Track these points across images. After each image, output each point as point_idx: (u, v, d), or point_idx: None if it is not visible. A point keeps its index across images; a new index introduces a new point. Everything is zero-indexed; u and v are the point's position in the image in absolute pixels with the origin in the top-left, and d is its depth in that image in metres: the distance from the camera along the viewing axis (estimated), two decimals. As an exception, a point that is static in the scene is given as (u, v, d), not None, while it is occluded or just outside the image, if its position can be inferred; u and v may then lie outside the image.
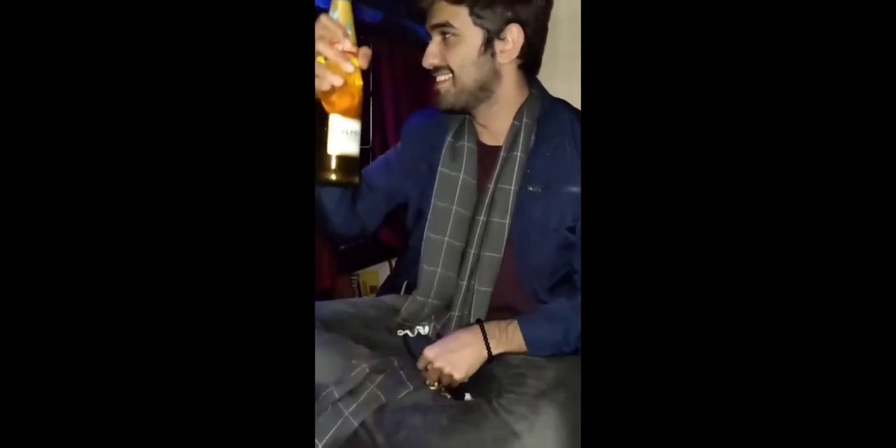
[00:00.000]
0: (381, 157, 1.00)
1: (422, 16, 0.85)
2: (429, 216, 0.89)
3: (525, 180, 0.85)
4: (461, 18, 0.81)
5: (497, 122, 0.88)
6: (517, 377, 0.77)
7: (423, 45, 0.87)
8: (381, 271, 2.03)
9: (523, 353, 0.81)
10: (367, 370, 0.77)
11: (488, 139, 0.90)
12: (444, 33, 0.82)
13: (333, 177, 0.68)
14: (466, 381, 0.79)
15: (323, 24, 0.65)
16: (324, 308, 0.90)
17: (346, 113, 0.67)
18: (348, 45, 0.66)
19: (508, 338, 0.80)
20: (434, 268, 0.89)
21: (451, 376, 0.78)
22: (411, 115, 1.02)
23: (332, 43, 0.65)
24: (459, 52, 0.82)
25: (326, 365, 0.77)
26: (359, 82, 0.67)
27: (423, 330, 0.90)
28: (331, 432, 0.73)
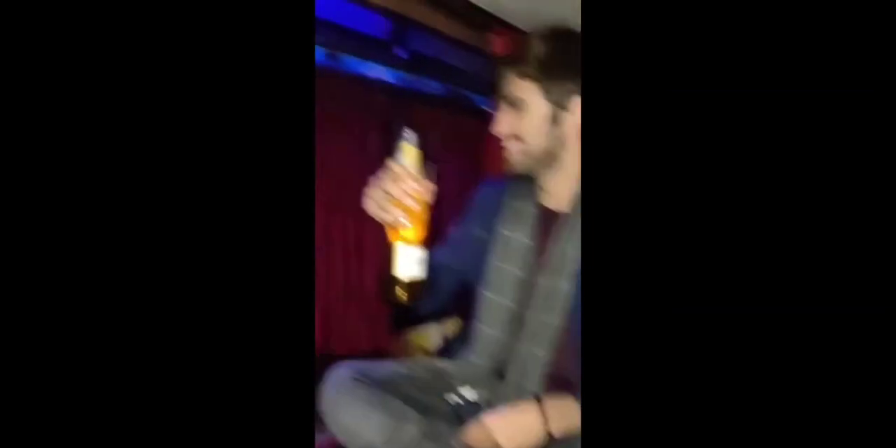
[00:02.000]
0: (448, 236, 1.02)
1: (482, 87, 0.91)
2: (487, 277, 0.90)
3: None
4: (531, 92, 0.87)
5: (561, 187, 0.90)
6: None
7: (478, 113, 0.92)
8: (432, 332, 2.02)
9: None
10: (417, 433, 0.76)
11: (550, 203, 0.92)
12: (513, 104, 0.88)
13: (400, 300, 0.74)
14: None
15: (389, 169, 0.72)
16: (378, 367, 0.91)
17: (411, 242, 0.73)
18: (414, 185, 0.72)
19: (568, 417, 0.77)
20: (490, 329, 0.89)
21: None
22: (479, 186, 1.06)
23: (397, 182, 0.72)
24: (528, 122, 0.87)
25: (377, 425, 0.77)
26: (424, 216, 0.74)
27: (474, 396, 0.89)
28: None
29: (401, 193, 0.71)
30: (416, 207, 0.72)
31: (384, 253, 0.75)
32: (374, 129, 1.76)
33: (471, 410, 0.85)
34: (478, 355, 0.89)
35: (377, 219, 0.74)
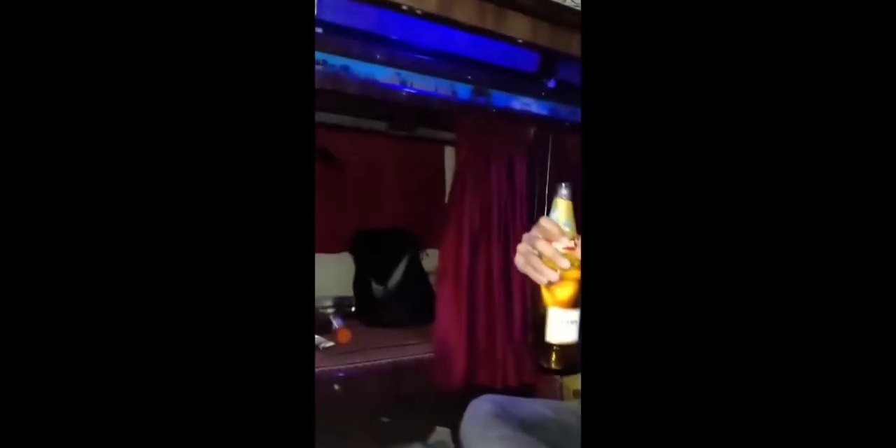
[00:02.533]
0: None
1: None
2: None
3: None
4: None
5: None
6: None
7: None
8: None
9: None
10: None
11: None
12: None
13: (554, 366, 0.71)
14: None
15: (542, 226, 0.70)
16: (524, 406, 0.87)
17: (565, 305, 0.70)
18: (567, 242, 0.69)
19: None
20: None
21: None
22: None
23: (549, 241, 0.69)
24: None
25: None
26: (576, 275, 0.70)
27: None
28: None
29: (553, 253, 0.68)
30: (569, 266, 0.68)
31: (536, 307, 0.72)
32: (520, 156, 1.76)
33: None
34: None
35: (527, 274, 0.71)
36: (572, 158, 1.78)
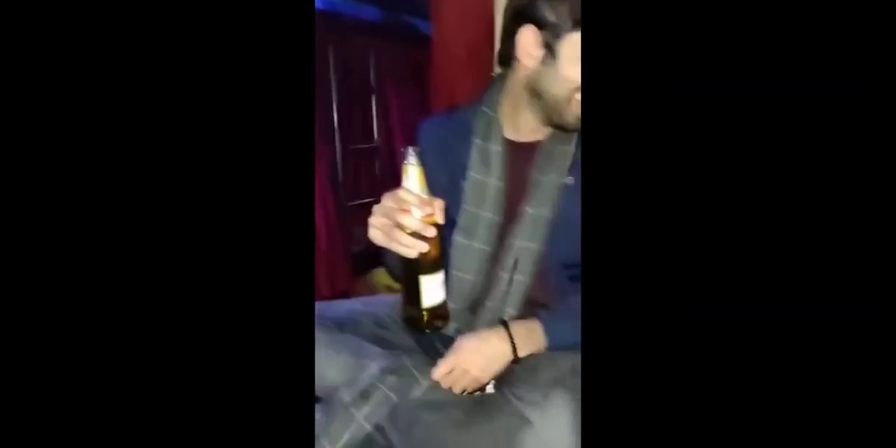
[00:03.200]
0: None
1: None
2: (460, 223, 0.87)
3: (563, 172, 0.84)
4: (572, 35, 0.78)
5: (526, 116, 0.85)
6: (530, 368, 0.77)
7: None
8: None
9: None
10: (377, 371, 0.76)
11: (516, 135, 0.88)
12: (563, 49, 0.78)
13: (429, 329, 0.72)
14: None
15: (399, 198, 0.66)
16: (336, 307, 0.90)
17: (432, 270, 0.69)
18: (428, 209, 0.67)
19: (533, 339, 0.80)
20: (465, 274, 0.87)
21: (477, 379, 0.77)
22: (419, 126, 0.98)
23: (406, 211, 0.66)
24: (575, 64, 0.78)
25: (338, 366, 0.76)
26: (438, 239, 0.68)
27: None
28: (343, 439, 0.73)
29: (419, 225, 0.66)
30: (432, 233, 0.67)
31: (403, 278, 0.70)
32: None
33: (442, 341, 0.85)
34: (454, 300, 0.88)
35: (389, 248, 0.68)
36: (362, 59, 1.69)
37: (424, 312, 0.71)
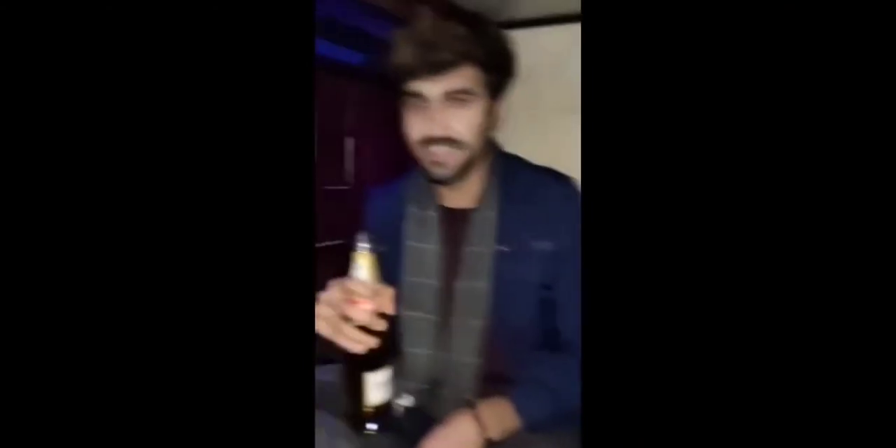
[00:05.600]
0: None
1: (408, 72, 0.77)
2: (403, 294, 0.83)
3: (497, 240, 0.81)
4: (477, 80, 0.77)
5: (468, 183, 0.84)
6: None
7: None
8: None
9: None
10: None
11: (453, 202, 0.86)
12: (457, 99, 0.77)
13: (373, 427, 0.66)
14: None
15: (347, 288, 0.62)
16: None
17: (377, 366, 0.65)
18: (379, 300, 0.62)
19: (504, 419, 0.75)
20: (417, 348, 0.83)
21: None
22: (369, 197, 0.96)
23: (355, 303, 0.61)
24: (472, 118, 0.77)
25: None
26: (387, 332, 0.64)
27: (407, 402, 0.84)
28: None
29: (368, 318, 0.61)
30: (381, 326, 0.63)
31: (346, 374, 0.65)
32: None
33: (412, 417, 0.80)
34: (408, 376, 0.83)
35: (335, 341, 0.63)
36: (339, 104, 1.69)
37: (366, 410, 0.66)
